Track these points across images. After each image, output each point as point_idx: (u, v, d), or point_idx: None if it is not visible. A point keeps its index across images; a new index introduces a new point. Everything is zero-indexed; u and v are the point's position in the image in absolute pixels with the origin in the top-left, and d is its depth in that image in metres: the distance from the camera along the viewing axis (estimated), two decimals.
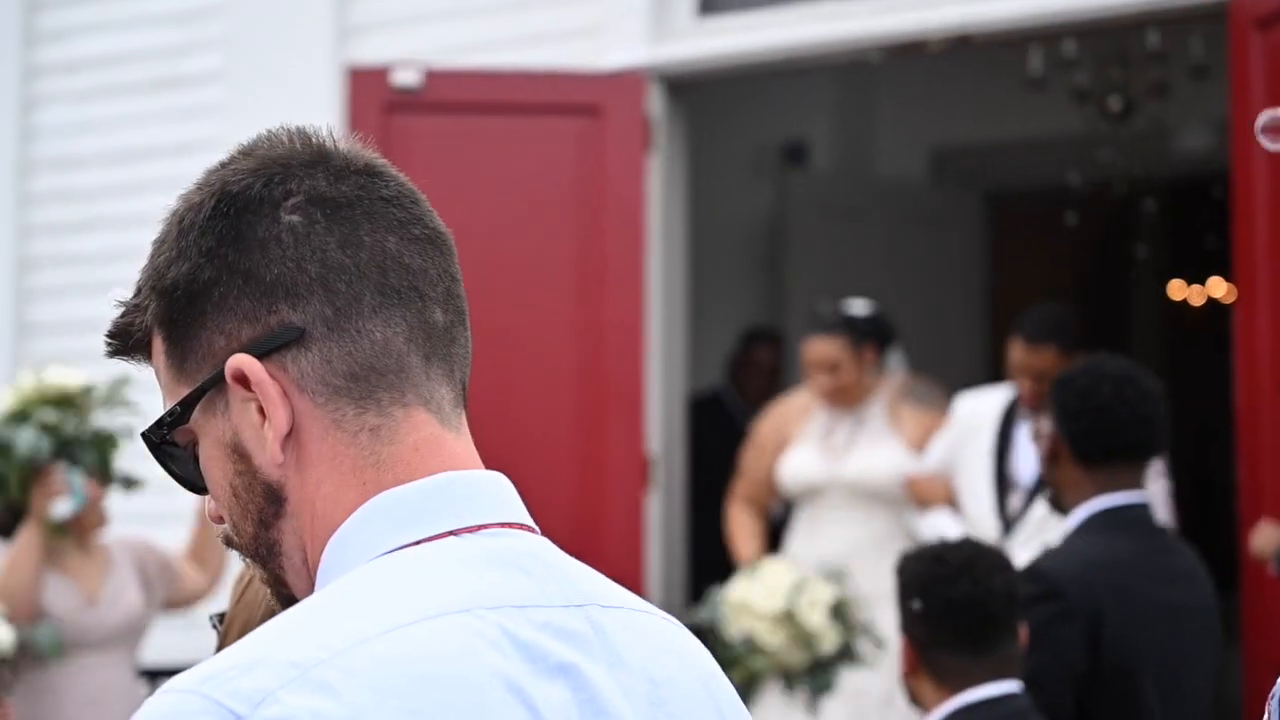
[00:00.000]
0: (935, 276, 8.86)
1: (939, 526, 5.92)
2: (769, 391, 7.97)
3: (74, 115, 7.95)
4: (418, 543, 1.30)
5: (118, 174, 7.83)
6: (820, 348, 6.21)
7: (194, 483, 1.40)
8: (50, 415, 5.38)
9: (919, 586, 3.25)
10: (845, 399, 6.23)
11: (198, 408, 1.35)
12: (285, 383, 1.32)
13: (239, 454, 1.34)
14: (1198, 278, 10.13)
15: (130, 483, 5.54)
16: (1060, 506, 3.75)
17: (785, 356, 8.43)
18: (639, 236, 6.46)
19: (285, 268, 1.31)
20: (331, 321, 1.31)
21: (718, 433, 7.93)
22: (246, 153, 1.37)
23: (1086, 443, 3.66)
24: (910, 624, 3.27)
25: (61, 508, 5.41)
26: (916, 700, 3.31)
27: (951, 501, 6.09)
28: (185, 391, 1.36)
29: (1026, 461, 5.94)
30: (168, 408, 1.37)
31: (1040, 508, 5.67)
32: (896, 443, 6.24)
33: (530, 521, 1.37)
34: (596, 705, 1.28)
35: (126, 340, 1.40)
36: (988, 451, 6.02)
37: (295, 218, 1.32)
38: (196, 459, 1.39)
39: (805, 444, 6.26)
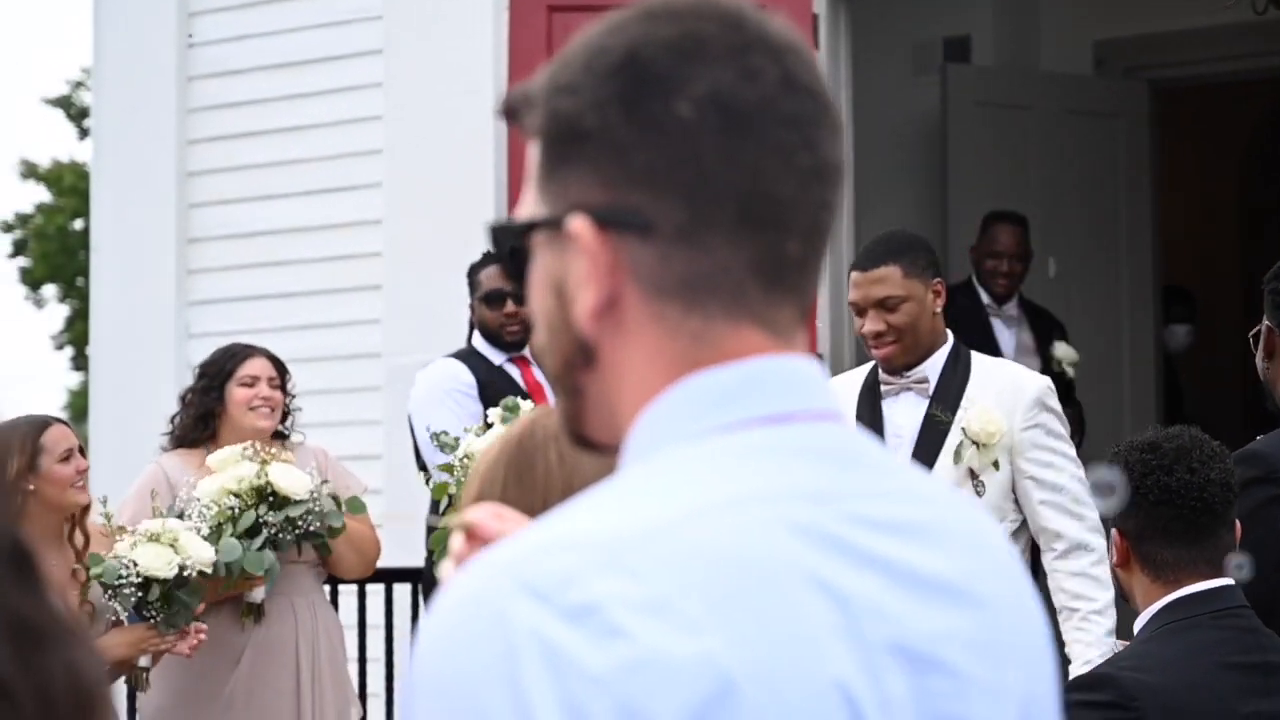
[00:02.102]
0: (1100, 172, 8.70)
1: None
2: None
3: (233, 24, 7.99)
4: (727, 428, 1.26)
5: (278, 83, 7.86)
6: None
7: (520, 291, 1.38)
8: (266, 513, 5.41)
9: (1133, 475, 3.17)
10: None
11: (540, 232, 1.32)
12: (617, 260, 1.28)
13: (559, 296, 1.32)
14: None
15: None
16: None
17: (947, 261, 8.34)
18: None
19: (657, 157, 1.26)
20: (681, 228, 1.27)
21: None
22: (672, 15, 1.30)
23: None
24: (1122, 515, 3.19)
25: (258, 593, 5.48)
26: (1128, 595, 3.24)
27: None
28: (538, 205, 1.32)
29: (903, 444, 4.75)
30: (526, 206, 1.34)
31: None
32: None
33: (839, 409, 1.33)
34: (907, 596, 1.24)
35: (513, 118, 1.36)
36: None
37: (689, 112, 1.26)
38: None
39: None
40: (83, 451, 5.56)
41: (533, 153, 1.33)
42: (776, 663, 1.16)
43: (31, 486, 5.38)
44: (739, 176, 1.27)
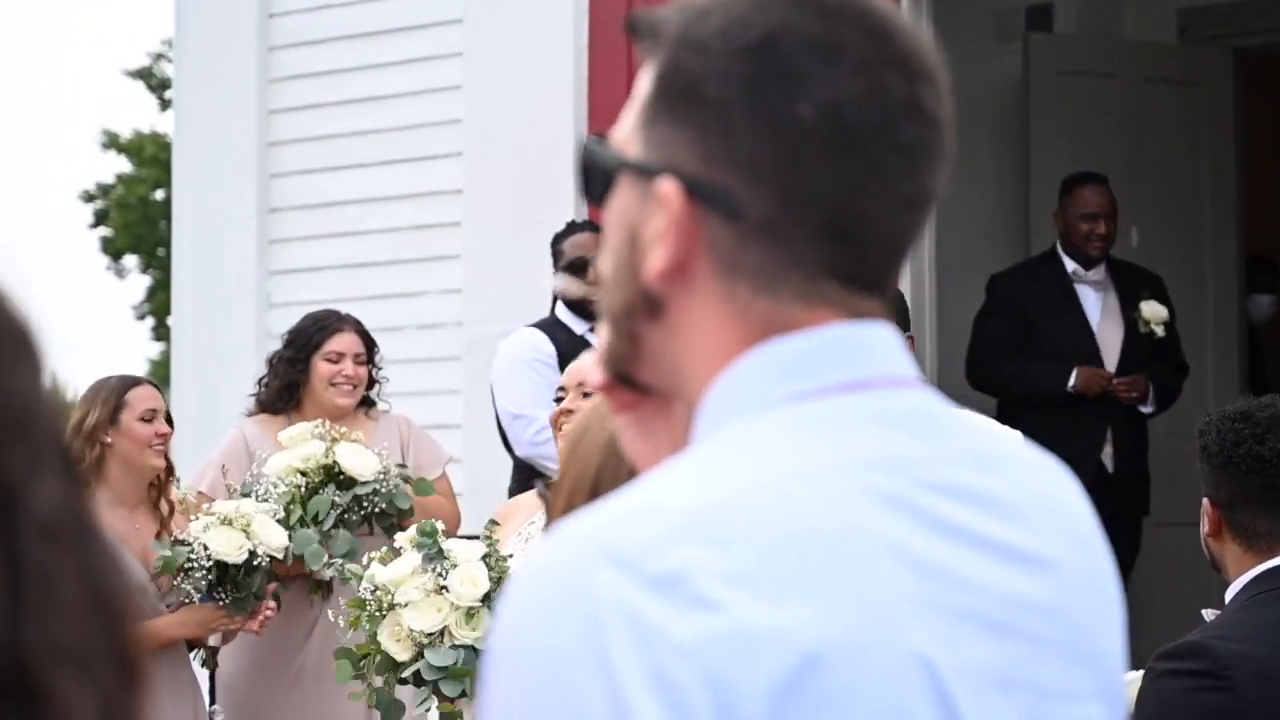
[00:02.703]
0: (1182, 141, 8.62)
1: None
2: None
3: None
4: (804, 396, 1.26)
5: (358, 52, 7.88)
6: None
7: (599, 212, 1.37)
8: (337, 494, 5.40)
9: (1225, 444, 3.14)
10: None
11: (627, 172, 1.31)
12: (697, 233, 1.27)
13: (632, 241, 1.31)
14: None
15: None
16: None
17: (1028, 231, 8.28)
18: None
19: (764, 149, 1.25)
20: (767, 221, 1.26)
21: None
22: (821, 10, 1.27)
23: None
24: (1215, 485, 3.17)
25: (327, 571, 5.46)
26: (1218, 565, 3.22)
27: None
28: (634, 144, 1.31)
29: None
30: (622, 134, 1.33)
31: None
32: None
33: (917, 375, 1.32)
34: (986, 563, 1.24)
35: (635, 36, 1.34)
36: None
37: (808, 114, 1.25)
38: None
39: None
40: (169, 419, 5.59)
41: (644, 82, 1.32)
42: (861, 634, 1.16)
43: (109, 440, 5.42)
44: (837, 189, 1.25)
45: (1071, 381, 7.26)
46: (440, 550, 4.17)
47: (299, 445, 5.46)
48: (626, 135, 1.32)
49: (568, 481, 2.02)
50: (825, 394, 1.26)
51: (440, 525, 4.33)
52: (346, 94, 7.92)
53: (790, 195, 1.25)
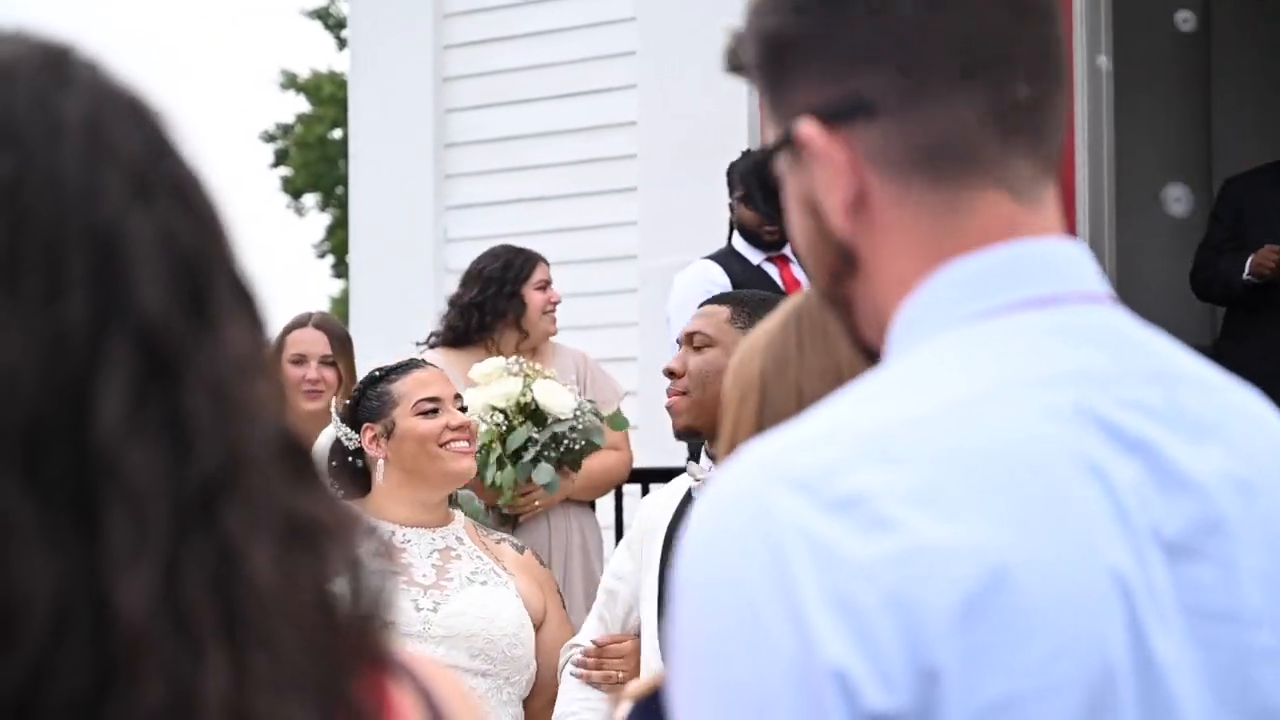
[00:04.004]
0: None
1: None
2: None
3: None
4: (988, 314, 1.24)
5: None
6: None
7: (776, 216, 1.38)
8: (535, 431, 5.38)
9: None
10: None
11: (781, 156, 1.32)
12: (852, 152, 1.26)
13: (811, 210, 1.31)
14: None
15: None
16: None
17: (1209, 161, 8.12)
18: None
19: (861, 33, 1.25)
20: (903, 96, 1.25)
21: None
22: None
23: None
24: None
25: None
26: None
27: None
28: (768, 130, 1.33)
29: None
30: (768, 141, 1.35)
31: None
32: None
33: (1107, 291, 1.29)
34: (1176, 483, 1.20)
35: (734, 63, 1.37)
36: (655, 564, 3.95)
37: None
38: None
39: None
40: (334, 363, 5.61)
41: (758, 88, 1.34)
42: (1050, 550, 1.14)
43: None
44: (949, 25, 1.24)
45: (1246, 270, 7.04)
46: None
47: (494, 382, 5.46)
48: (766, 138, 1.34)
49: (734, 402, 2.00)
50: (1011, 310, 1.24)
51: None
52: (519, 28, 7.94)
53: (907, 57, 1.25)
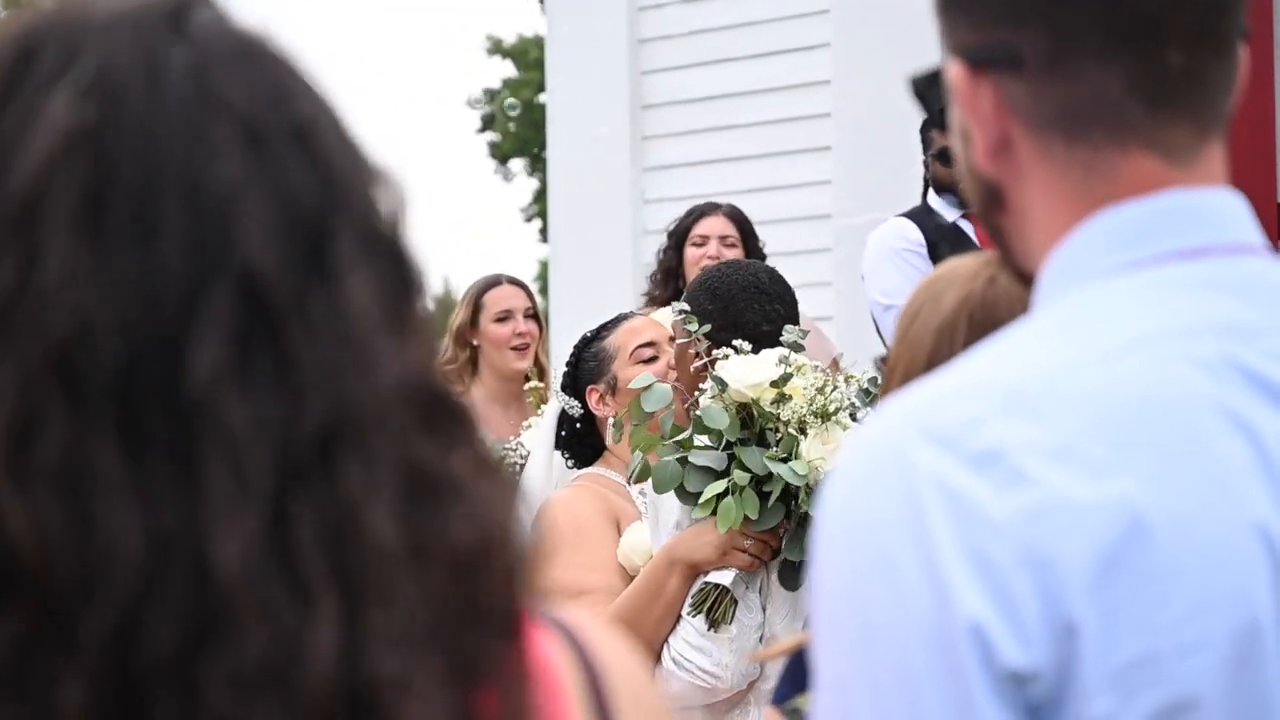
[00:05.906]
0: None
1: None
2: None
3: None
4: (1136, 265, 1.22)
5: None
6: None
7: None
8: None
9: None
10: None
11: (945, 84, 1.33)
12: (998, 99, 1.27)
13: (966, 141, 1.31)
14: None
15: None
16: None
17: None
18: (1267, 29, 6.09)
19: None
20: (1049, 55, 1.24)
21: None
22: None
23: None
24: None
25: None
26: None
27: None
28: (949, 65, 1.33)
29: None
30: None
31: None
32: None
33: (1262, 241, 1.26)
34: None
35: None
36: None
37: None
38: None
39: None
40: (536, 318, 5.63)
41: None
42: (1191, 503, 1.11)
43: (476, 343, 5.51)
44: None
45: None
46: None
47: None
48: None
49: (901, 362, 2.00)
50: (1160, 261, 1.22)
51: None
52: None
53: (1055, 17, 1.23)
